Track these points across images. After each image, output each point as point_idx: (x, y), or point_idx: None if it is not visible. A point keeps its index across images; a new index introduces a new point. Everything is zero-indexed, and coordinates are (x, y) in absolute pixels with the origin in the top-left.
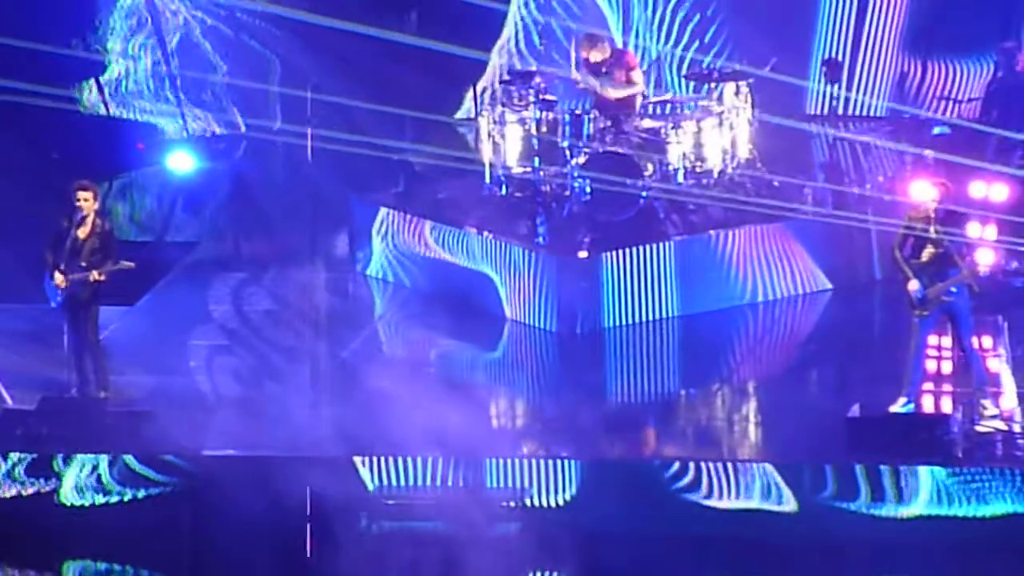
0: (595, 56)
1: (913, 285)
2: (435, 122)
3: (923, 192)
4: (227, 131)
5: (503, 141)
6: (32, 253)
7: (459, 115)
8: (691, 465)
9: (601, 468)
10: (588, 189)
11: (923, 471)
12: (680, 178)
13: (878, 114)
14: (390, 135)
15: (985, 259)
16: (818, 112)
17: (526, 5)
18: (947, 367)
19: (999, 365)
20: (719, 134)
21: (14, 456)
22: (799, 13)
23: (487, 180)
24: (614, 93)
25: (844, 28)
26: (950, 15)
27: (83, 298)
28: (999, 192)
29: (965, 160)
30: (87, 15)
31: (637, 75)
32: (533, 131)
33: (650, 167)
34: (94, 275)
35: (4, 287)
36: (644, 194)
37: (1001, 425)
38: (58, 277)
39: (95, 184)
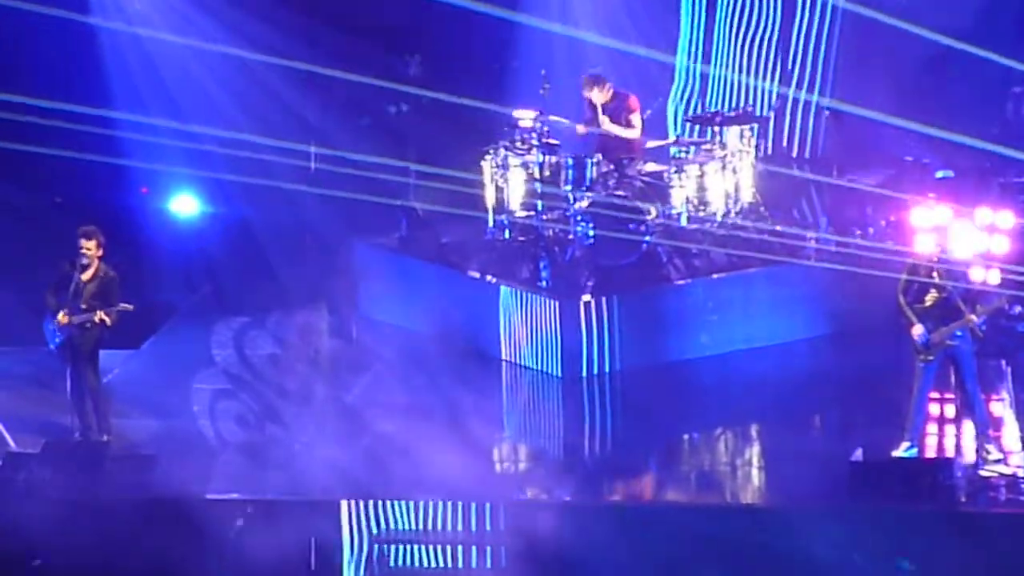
0: (597, 96)
1: (918, 330)
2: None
3: (925, 242)
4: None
5: (506, 185)
6: (34, 296)
7: None
8: (696, 510)
9: (604, 513)
10: (591, 233)
11: None
12: (683, 222)
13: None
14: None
15: (993, 278)
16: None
17: None
18: (950, 411)
19: (1002, 409)
20: (722, 178)
21: None
22: None
23: (490, 224)
24: (609, 127)
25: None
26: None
27: (83, 341)
28: (1005, 219)
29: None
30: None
31: (636, 119)
32: (536, 175)
33: (653, 211)
34: (99, 315)
35: (7, 330)
36: (647, 238)
37: (1005, 469)
38: (60, 316)
39: (98, 231)
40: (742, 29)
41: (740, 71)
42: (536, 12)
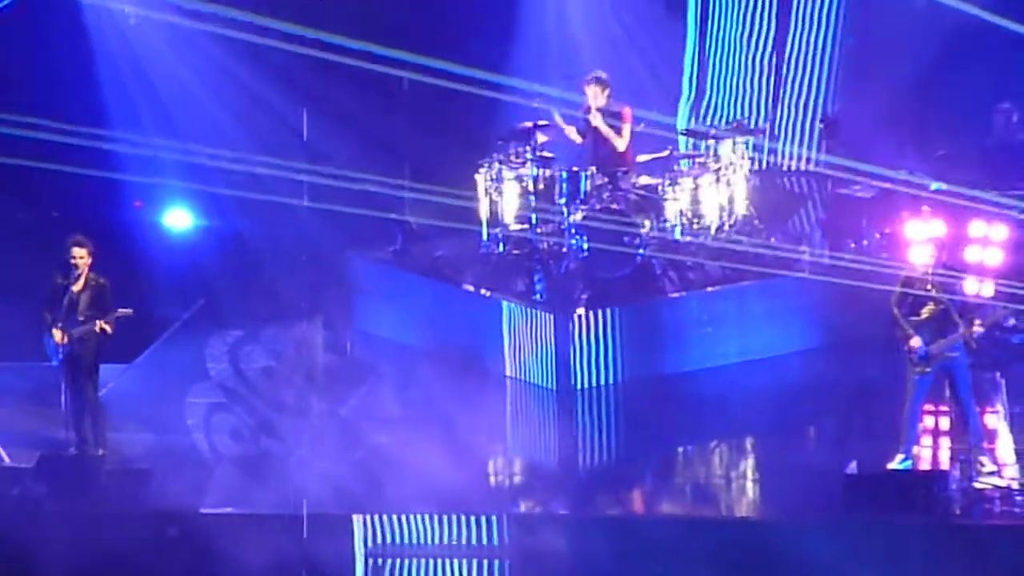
0: (597, 97)
1: (916, 342)
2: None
3: (920, 254)
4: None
5: (500, 198)
6: (30, 311)
7: None
8: (690, 522)
9: (598, 525)
10: (585, 246)
11: None
12: (677, 235)
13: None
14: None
15: (987, 291)
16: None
17: None
18: (944, 424)
19: (997, 422)
20: (716, 191)
21: None
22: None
23: (484, 237)
24: (600, 124)
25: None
26: (946, 77)
27: (83, 354)
28: (999, 232)
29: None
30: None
31: (626, 130)
32: (530, 188)
33: (647, 224)
34: (100, 324)
35: (2, 345)
36: (641, 251)
37: (999, 482)
38: (56, 334)
39: (89, 240)
40: (741, 42)
41: (739, 84)
42: (534, 25)
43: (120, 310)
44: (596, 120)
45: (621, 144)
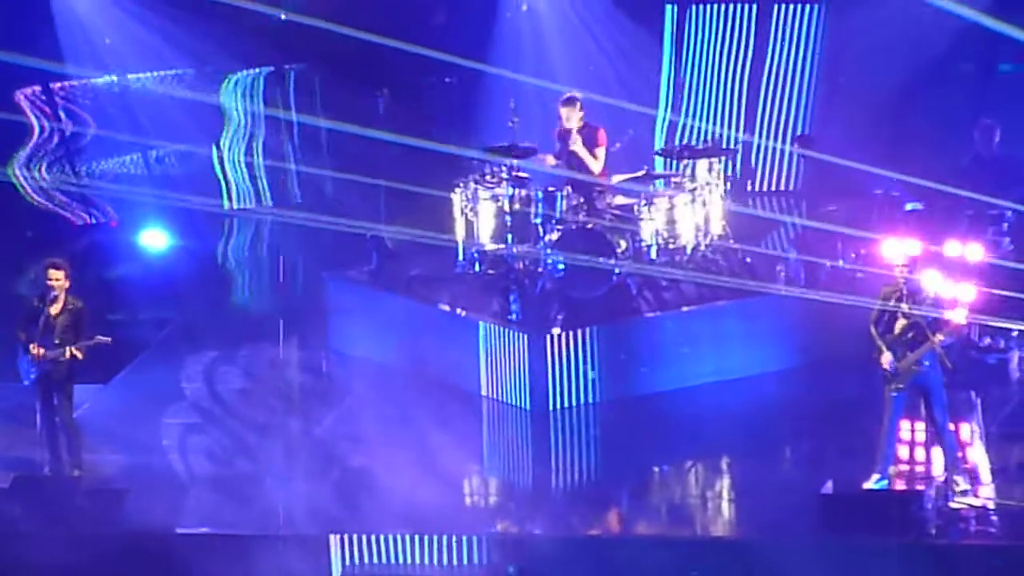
0: (570, 119)
1: (886, 357)
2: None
3: (894, 267)
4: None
5: (476, 218)
6: (3, 332)
7: None
8: (665, 542)
9: (573, 545)
10: (561, 266)
11: None
12: (653, 255)
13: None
14: (365, 212)
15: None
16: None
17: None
18: (920, 443)
19: (972, 441)
20: (692, 210)
21: None
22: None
23: (460, 257)
24: (579, 148)
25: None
26: (926, 91)
27: (57, 376)
28: (974, 252)
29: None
30: None
31: (601, 153)
32: (506, 208)
33: (623, 244)
34: (70, 351)
35: None
36: (617, 271)
37: (974, 501)
38: (33, 349)
39: (66, 262)
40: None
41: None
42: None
43: (98, 338)
44: (576, 145)
45: (596, 167)
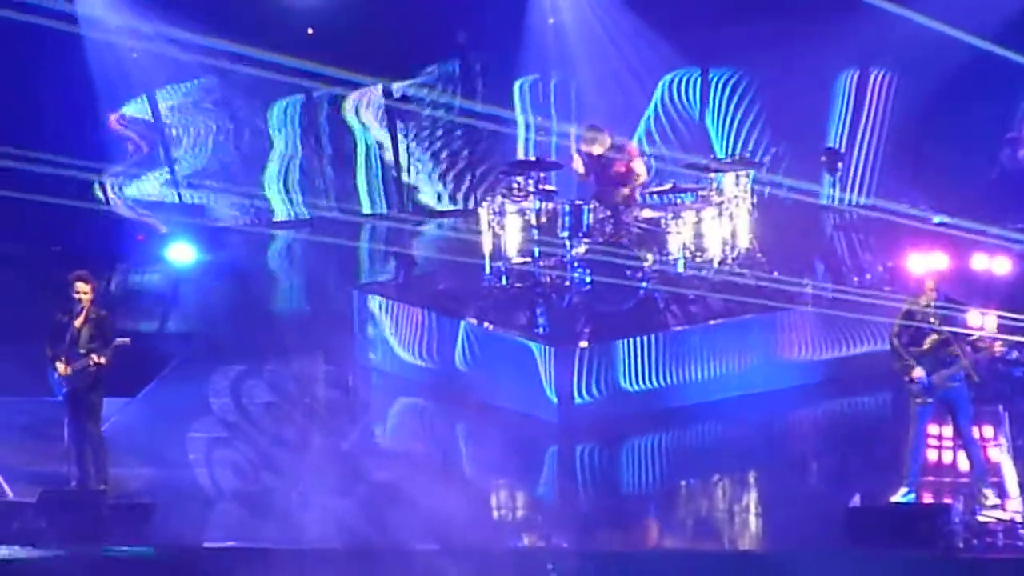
0: (595, 149)
1: (918, 372)
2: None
3: (921, 284)
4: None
5: (503, 232)
6: (32, 347)
7: None
8: (692, 556)
9: (600, 559)
10: (588, 279)
11: None
12: (680, 268)
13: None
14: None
15: (990, 324)
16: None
17: None
18: (947, 456)
19: (999, 455)
20: (719, 224)
21: None
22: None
23: (487, 271)
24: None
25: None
26: (950, 106)
27: (86, 388)
28: (1001, 265)
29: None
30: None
31: (638, 165)
32: (533, 222)
33: (650, 257)
34: (94, 358)
35: (3, 381)
36: (644, 284)
37: (1002, 515)
38: (60, 366)
39: (91, 275)
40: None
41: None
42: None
43: (118, 340)
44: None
45: (640, 179)
